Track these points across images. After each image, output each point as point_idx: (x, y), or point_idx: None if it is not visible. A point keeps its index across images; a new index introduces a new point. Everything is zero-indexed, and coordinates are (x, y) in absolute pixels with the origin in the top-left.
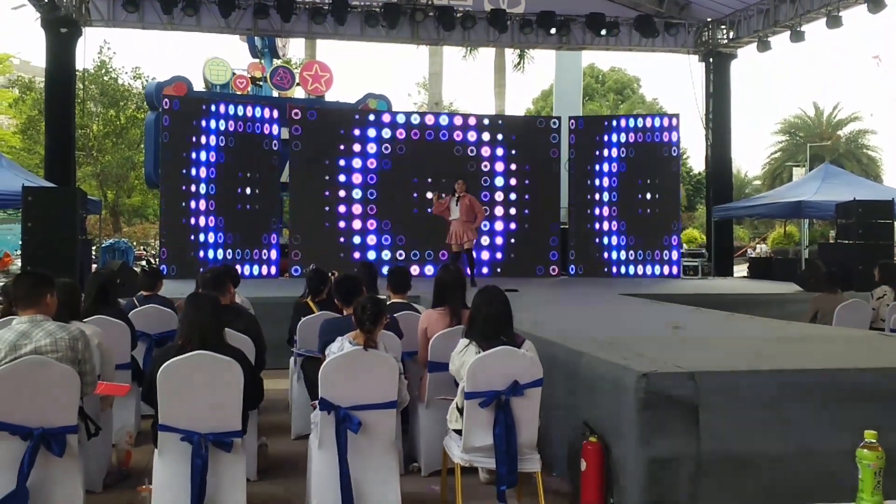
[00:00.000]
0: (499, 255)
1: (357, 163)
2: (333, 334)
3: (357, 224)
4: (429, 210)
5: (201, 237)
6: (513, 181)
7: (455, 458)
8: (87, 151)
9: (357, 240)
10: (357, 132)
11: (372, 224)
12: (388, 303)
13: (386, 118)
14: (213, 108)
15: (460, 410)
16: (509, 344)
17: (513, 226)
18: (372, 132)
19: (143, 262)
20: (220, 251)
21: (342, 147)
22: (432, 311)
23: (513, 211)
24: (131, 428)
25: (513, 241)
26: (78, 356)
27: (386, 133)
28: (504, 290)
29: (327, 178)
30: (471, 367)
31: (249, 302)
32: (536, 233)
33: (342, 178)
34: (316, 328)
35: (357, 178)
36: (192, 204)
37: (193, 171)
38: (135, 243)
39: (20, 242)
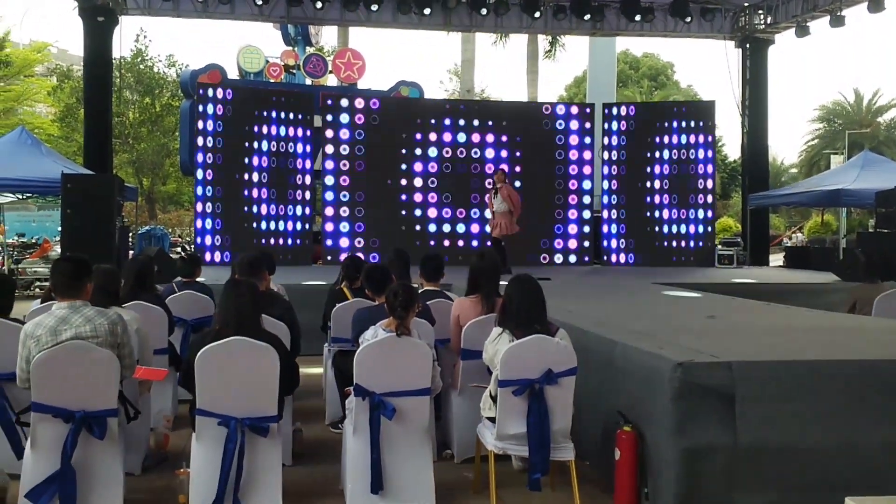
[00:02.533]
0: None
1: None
2: (366, 323)
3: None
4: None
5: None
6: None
7: (488, 445)
8: (124, 139)
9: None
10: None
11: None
12: (420, 290)
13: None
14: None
15: (494, 398)
16: (543, 332)
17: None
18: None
19: (179, 249)
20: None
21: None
22: (465, 298)
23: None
24: (169, 412)
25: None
26: (117, 340)
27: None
28: (537, 278)
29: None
30: (504, 355)
31: (284, 289)
32: (570, 220)
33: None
34: (350, 315)
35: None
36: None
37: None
38: (170, 230)
39: (59, 229)
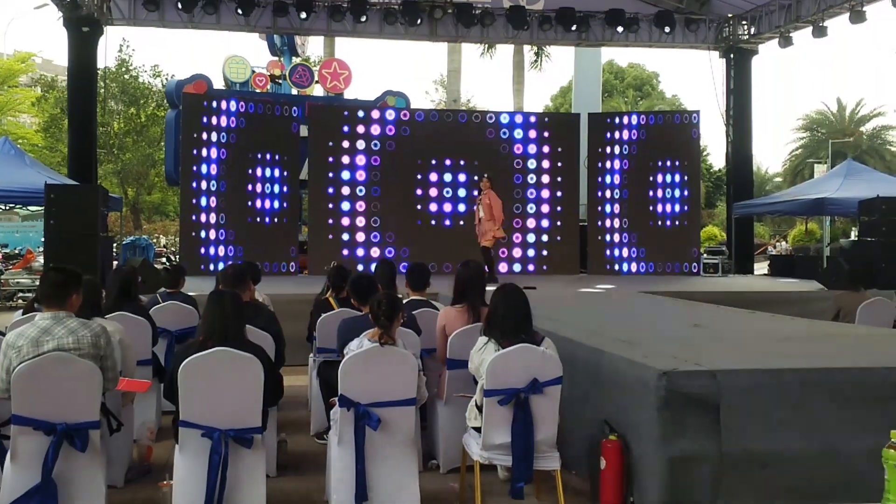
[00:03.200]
0: (517, 254)
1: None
2: (352, 334)
3: (366, 222)
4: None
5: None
6: (531, 178)
7: (474, 455)
8: (108, 149)
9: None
10: (376, 129)
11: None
12: (406, 300)
13: (397, 115)
14: (230, 105)
15: (479, 408)
16: (529, 341)
17: (531, 223)
18: (390, 129)
19: (164, 259)
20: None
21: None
22: (451, 308)
23: (531, 209)
24: (152, 424)
25: (533, 238)
26: (100, 353)
27: (405, 130)
28: (522, 287)
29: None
30: (490, 365)
31: (269, 299)
32: (556, 230)
33: (360, 175)
34: (335, 325)
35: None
36: (211, 201)
37: (211, 169)
38: (155, 240)
39: (42, 240)
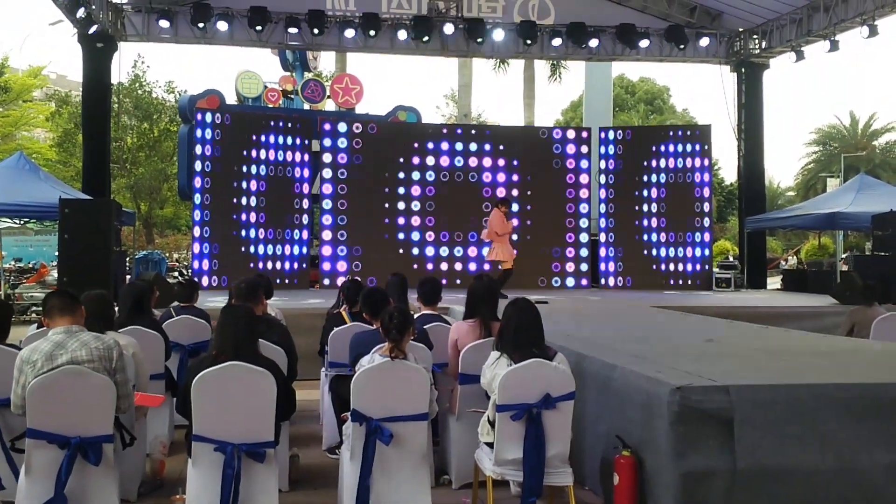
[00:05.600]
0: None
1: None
2: (364, 348)
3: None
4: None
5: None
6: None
7: (486, 470)
8: (121, 164)
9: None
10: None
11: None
12: (418, 314)
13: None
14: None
15: (492, 423)
16: (541, 356)
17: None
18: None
19: (176, 273)
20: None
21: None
22: (463, 322)
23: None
24: (165, 438)
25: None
26: (112, 366)
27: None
28: (534, 301)
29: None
30: (502, 380)
31: (282, 313)
32: (566, 244)
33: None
34: (347, 340)
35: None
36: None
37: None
38: (167, 254)
39: (56, 254)
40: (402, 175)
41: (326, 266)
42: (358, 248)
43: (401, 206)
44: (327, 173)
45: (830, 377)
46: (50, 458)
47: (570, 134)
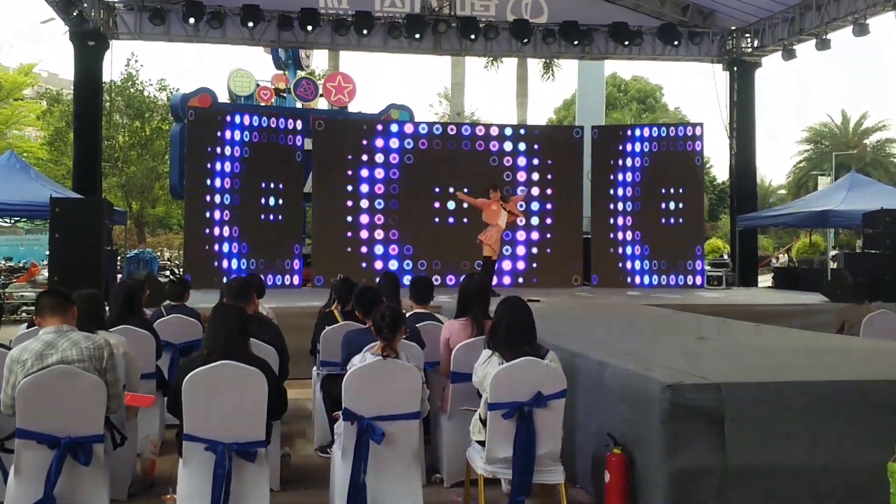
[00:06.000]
0: (521, 266)
1: (379, 173)
2: (356, 347)
3: (379, 234)
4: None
5: (225, 247)
6: (535, 191)
7: (478, 469)
8: (113, 162)
9: (379, 250)
10: (380, 142)
11: (394, 234)
12: (410, 313)
13: (409, 128)
14: (235, 118)
15: (483, 421)
16: (533, 354)
17: (535, 235)
18: (395, 142)
19: (168, 272)
20: (242, 261)
21: (365, 157)
22: (455, 321)
23: (535, 221)
24: (156, 437)
25: (535, 250)
26: (103, 366)
27: (408, 143)
28: (526, 300)
29: (349, 188)
30: (494, 378)
31: (273, 312)
32: (559, 243)
33: (364, 188)
34: (339, 338)
35: (379, 189)
36: (217, 214)
37: (218, 182)
38: (159, 253)
39: (47, 253)
40: (395, 174)
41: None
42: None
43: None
44: (323, 171)
45: (821, 375)
46: (40, 459)
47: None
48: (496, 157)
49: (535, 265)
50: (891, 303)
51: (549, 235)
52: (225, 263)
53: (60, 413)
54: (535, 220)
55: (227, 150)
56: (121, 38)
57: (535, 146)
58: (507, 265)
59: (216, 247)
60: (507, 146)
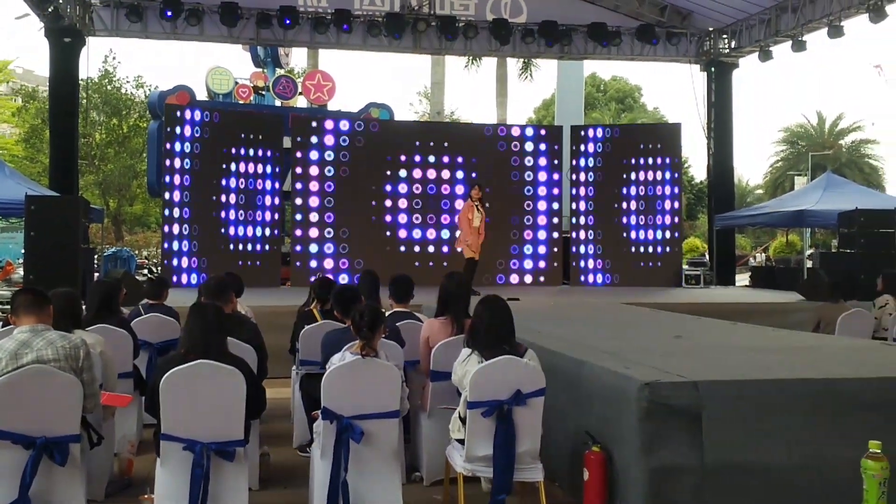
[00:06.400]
0: (500, 266)
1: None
2: (336, 346)
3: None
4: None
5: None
6: (514, 190)
7: (457, 467)
8: (90, 160)
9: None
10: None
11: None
12: (390, 312)
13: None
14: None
15: (463, 420)
16: (512, 353)
17: (514, 235)
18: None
19: (145, 271)
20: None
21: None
22: (434, 320)
23: (515, 220)
24: (133, 437)
25: (515, 250)
26: (79, 365)
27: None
28: (506, 298)
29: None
30: (473, 377)
31: (252, 310)
32: (537, 241)
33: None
34: (318, 337)
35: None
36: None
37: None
38: (137, 252)
39: (23, 251)
40: (374, 174)
41: (298, 263)
42: (331, 245)
43: (373, 202)
44: (299, 170)
45: (797, 373)
46: (14, 459)
47: (542, 132)
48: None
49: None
50: (866, 301)
51: (529, 234)
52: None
53: (36, 413)
54: (516, 220)
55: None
56: (97, 34)
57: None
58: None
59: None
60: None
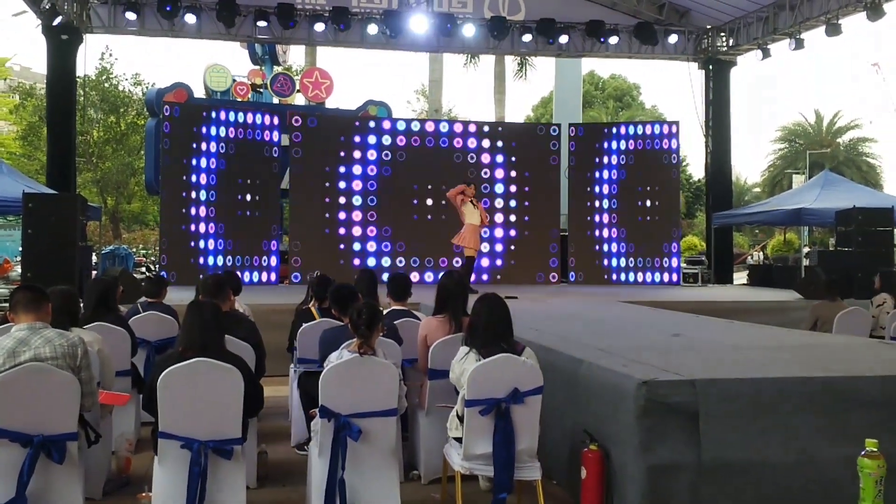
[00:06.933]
0: (498, 262)
1: (357, 169)
2: (333, 344)
3: (357, 231)
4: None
5: (201, 244)
6: (513, 188)
7: (455, 465)
8: (88, 158)
9: (357, 246)
10: (357, 139)
11: (372, 231)
12: (388, 310)
13: (386, 125)
14: (213, 114)
15: (460, 418)
16: (510, 351)
17: (513, 232)
18: (372, 139)
19: (143, 269)
20: (219, 258)
21: (342, 154)
22: (432, 318)
23: (513, 218)
24: (131, 435)
25: (512, 247)
26: (77, 363)
27: (386, 140)
28: (504, 297)
29: (327, 184)
30: (471, 375)
31: (250, 309)
32: (536, 240)
33: (342, 184)
34: (316, 335)
35: (357, 185)
36: (192, 210)
37: (193, 178)
38: (134, 249)
39: (20, 249)
40: (373, 170)
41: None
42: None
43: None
44: (299, 168)
45: (794, 371)
46: (12, 457)
47: (542, 131)
48: (474, 154)
49: (512, 262)
50: (863, 300)
51: (526, 233)
52: (201, 260)
53: (33, 411)
54: (512, 217)
55: (204, 146)
56: (94, 31)
57: (513, 144)
58: (484, 262)
59: (191, 243)
60: (486, 143)
